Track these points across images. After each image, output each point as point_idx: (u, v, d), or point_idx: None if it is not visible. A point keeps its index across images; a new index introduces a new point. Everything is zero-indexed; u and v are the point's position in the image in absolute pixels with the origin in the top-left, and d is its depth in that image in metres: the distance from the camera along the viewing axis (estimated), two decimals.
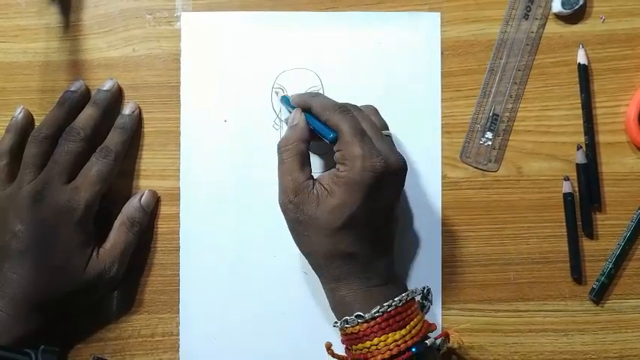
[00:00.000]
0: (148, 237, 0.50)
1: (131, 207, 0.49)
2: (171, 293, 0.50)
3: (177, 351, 0.50)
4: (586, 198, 0.50)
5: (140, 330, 0.50)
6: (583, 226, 0.50)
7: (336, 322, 0.43)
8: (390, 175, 0.42)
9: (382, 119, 0.47)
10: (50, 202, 0.45)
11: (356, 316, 0.42)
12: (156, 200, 0.50)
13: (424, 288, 0.45)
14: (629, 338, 0.50)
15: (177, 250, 0.50)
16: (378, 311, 0.41)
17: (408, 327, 0.41)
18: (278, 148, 0.44)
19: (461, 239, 0.50)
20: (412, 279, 0.50)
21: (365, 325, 0.41)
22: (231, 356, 0.50)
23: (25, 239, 0.45)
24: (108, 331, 0.50)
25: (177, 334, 0.50)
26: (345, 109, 0.44)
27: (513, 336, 0.50)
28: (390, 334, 0.41)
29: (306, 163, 0.44)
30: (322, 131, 0.44)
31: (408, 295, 0.43)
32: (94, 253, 0.47)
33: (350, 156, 0.41)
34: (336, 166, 0.43)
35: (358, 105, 0.46)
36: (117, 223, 0.48)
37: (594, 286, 0.50)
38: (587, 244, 0.50)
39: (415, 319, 0.42)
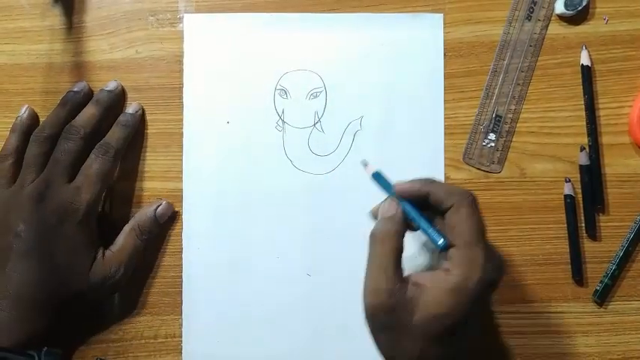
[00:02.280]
0: (151, 238, 0.50)
1: (144, 215, 0.49)
2: (174, 295, 0.50)
3: (180, 353, 0.50)
4: (589, 199, 0.50)
5: (143, 332, 0.50)
6: (586, 228, 0.50)
7: None
8: (498, 282, 0.38)
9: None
10: (52, 202, 0.45)
11: None
12: (170, 213, 0.50)
13: None
14: (632, 340, 0.50)
15: (180, 251, 0.50)
16: None
17: None
18: (371, 239, 0.39)
19: None
20: None
21: None
22: (233, 358, 0.50)
23: (27, 240, 0.45)
24: (111, 333, 0.50)
25: (180, 336, 0.50)
26: (473, 200, 0.38)
27: (516, 338, 0.50)
28: None
29: (400, 261, 0.38)
30: (433, 236, 0.38)
31: None
32: (100, 255, 0.47)
33: (469, 260, 0.37)
34: (443, 265, 0.38)
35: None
36: (127, 227, 0.48)
37: (597, 288, 0.50)
38: (590, 246, 0.50)
39: None
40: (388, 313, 0.37)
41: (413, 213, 0.39)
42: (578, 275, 0.50)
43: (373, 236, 0.39)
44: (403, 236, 0.39)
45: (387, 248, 0.38)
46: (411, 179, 0.40)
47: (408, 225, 0.40)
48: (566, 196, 0.50)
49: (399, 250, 0.39)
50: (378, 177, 0.42)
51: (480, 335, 0.43)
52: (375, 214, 0.42)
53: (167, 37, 0.51)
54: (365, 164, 0.42)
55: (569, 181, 0.50)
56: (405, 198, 0.40)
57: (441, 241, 0.38)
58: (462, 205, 0.38)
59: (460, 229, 0.37)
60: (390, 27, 0.51)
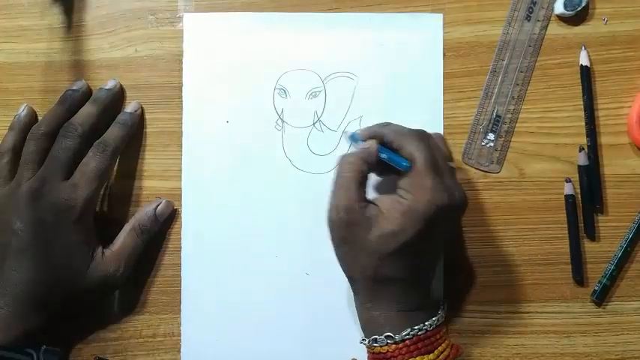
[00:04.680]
0: (150, 238, 0.50)
1: (145, 214, 0.49)
2: (173, 294, 0.50)
3: (179, 351, 0.50)
4: (588, 200, 0.50)
5: (142, 330, 0.50)
6: (585, 228, 0.50)
7: (363, 339, 0.43)
8: (451, 210, 0.42)
9: (449, 149, 0.46)
10: (48, 200, 0.45)
11: (386, 337, 0.42)
12: (170, 211, 0.50)
13: (443, 302, 0.45)
14: (630, 340, 0.50)
15: (179, 250, 0.50)
16: (408, 334, 0.41)
17: (436, 352, 0.41)
18: (339, 160, 0.43)
19: (463, 241, 0.50)
20: None
21: (394, 346, 0.41)
22: (232, 357, 0.50)
23: (24, 237, 0.45)
24: (109, 332, 0.50)
25: (179, 335, 0.50)
26: (421, 137, 0.43)
27: (515, 338, 0.50)
28: (417, 358, 0.41)
29: (363, 184, 0.43)
30: (396, 159, 0.43)
31: (438, 320, 0.43)
32: (99, 254, 0.47)
33: (419, 186, 0.41)
34: (398, 192, 0.42)
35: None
36: (127, 227, 0.48)
37: (596, 288, 0.50)
38: (588, 246, 0.50)
39: (443, 345, 0.42)
40: (347, 227, 0.41)
41: (381, 148, 0.43)
42: (579, 275, 0.50)
43: (342, 158, 0.43)
44: (370, 165, 0.43)
45: (352, 169, 0.42)
46: (370, 125, 0.45)
47: (376, 161, 0.43)
48: (567, 196, 0.50)
49: (363, 173, 0.43)
50: (353, 137, 0.46)
51: (435, 262, 0.46)
52: None
53: (166, 36, 0.51)
54: (344, 132, 0.49)
55: (570, 181, 0.50)
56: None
57: (405, 163, 0.42)
58: (412, 140, 0.43)
59: (413, 161, 0.42)
60: (390, 27, 0.51)
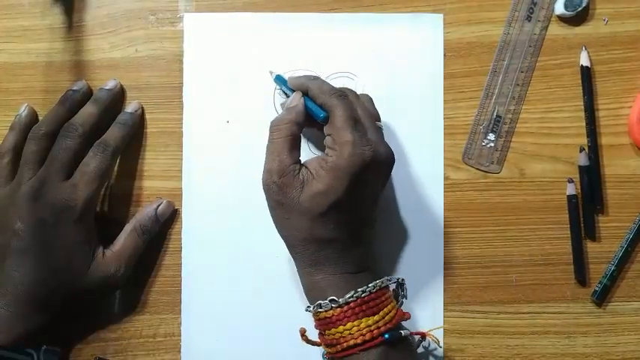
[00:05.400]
0: (151, 238, 0.50)
1: (145, 215, 0.49)
2: (174, 294, 0.50)
3: (179, 351, 0.50)
4: (589, 200, 0.50)
5: (142, 330, 0.50)
6: (585, 229, 0.50)
7: (308, 307, 0.43)
8: (377, 165, 0.42)
9: (376, 109, 0.47)
10: (49, 200, 0.45)
11: (330, 301, 0.42)
12: (171, 212, 0.50)
13: (398, 278, 0.44)
14: (631, 340, 0.50)
15: (180, 250, 0.50)
16: (352, 296, 0.41)
17: (381, 313, 0.41)
18: (270, 127, 0.44)
19: (463, 241, 0.50)
20: (414, 280, 0.50)
21: (338, 309, 0.41)
22: (232, 357, 0.50)
23: (25, 238, 0.45)
24: (110, 332, 0.50)
25: (179, 335, 0.50)
26: (342, 93, 0.44)
27: (515, 338, 0.50)
28: (363, 320, 0.41)
29: (295, 147, 0.44)
30: (314, 110, 0.44)
31: (382, 283, 0.43)
32: (100, 254, 0.47)
33: (340, 141, 0.41)
34: (325, 151, 0.43)
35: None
36: (128, 227, 0.48)
37: (597, 289, 0.50)
38: (589, 247, 0.50)
39: (388, 307, 0.42)
40: (280, 190, 0.42)
41: (305, 99, 0.45)
42: (581, 275, 0.50)
43: (271, 124, 0.44)
44: (300, 125, 0.44)
45: (282, 134, 0.43)
46: (301, 75, 0.47)
47: (306, 119, 0.44)
48: (570, 196, 0.50)
49: (293, 136, 0.43)
50: (279, 78, 0.48)
51: (369, 220, 0.45)
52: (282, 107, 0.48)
53: (167, 36, 0.51)
54: (270, 72, 0.49)
55: (573, 181, 0.50)
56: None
57: (321, 115, 0.43)
58: (331, 98, 0.43)
59: (332, 119, 0.43)
60: (390, 27, 0.51)
